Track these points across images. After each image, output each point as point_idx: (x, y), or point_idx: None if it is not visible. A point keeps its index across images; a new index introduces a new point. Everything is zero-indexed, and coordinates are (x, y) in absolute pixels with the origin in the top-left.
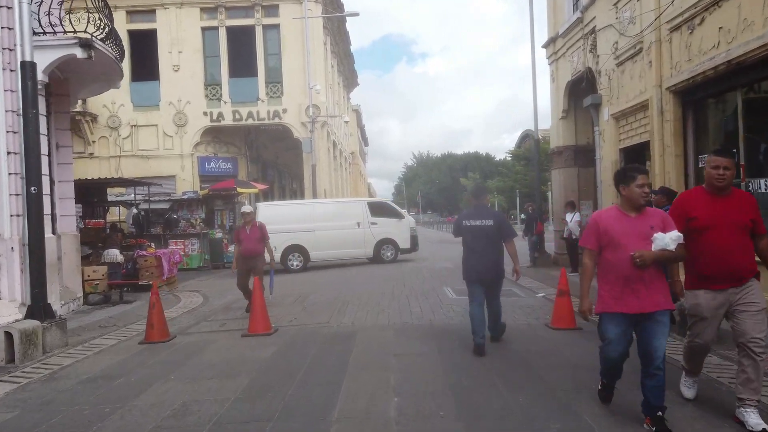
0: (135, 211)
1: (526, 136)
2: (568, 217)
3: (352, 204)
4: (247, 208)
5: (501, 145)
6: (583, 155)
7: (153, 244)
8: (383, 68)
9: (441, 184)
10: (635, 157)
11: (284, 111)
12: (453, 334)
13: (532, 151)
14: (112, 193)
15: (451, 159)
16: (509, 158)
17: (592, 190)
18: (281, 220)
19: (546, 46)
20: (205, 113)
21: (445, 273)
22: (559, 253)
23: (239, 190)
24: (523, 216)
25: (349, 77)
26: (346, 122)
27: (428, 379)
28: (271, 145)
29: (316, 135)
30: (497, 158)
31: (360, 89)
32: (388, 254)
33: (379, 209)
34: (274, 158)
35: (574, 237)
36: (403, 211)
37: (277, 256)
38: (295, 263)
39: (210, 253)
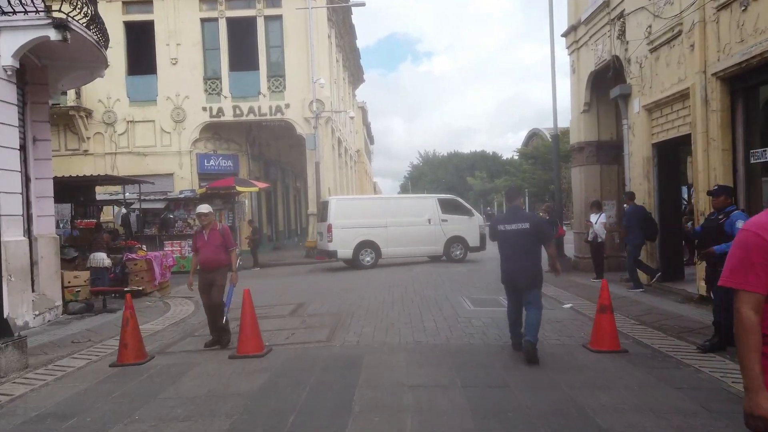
0: (124, 211)
1: (533, 135)
2: (593, 218)
3: (423, 200)
4: (203, 207)
5: (505, 144)
6: (606, 151)
7: (145, 247)
8: (388, 67)
9: (447, 183)
10: (671, 153)
11: (287, 106)
12: (475, 360)
13: (542, 149)
14: (106, 192)
15: (457, 158)
16: (516, 157)
17: (615, 189)
18: (353, 214)
19: (566, 34)
20: (204, 108)
21: (460, 278)
22: (579, 257)
23: (239, 188)
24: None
25: (354, 73)
26: (352, 118)
27: (453, 425)
28: (274, 142)
29: (320, 131)
30: (504, 157)
31: (365, 88)
32: (458, 252)
33: (449, 206)
34: (276, 156)
35: (599, 240)
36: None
37: (350, 252)
38: (367, 259)
39: None
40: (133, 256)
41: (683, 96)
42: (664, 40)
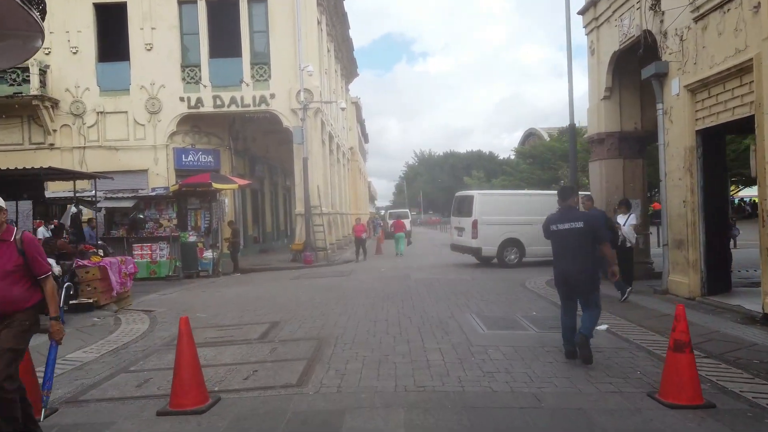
0: (74, 209)
1: (530, 134)
2: (621, 219)
3: None
4: None
5: (500, 145)
6: (630, 143)
7: (101, 252)
8: (383, 67)
9: (443, 183)
10: (720, 141)
11: (272, 96)
12: (505, 421)
13: (541, 148)
14: (68, 190)
15: (453, 158)
16: (512, 157)
17: (640, 186)
18: (497, 210)
19: (583, 11)
20: (181, 99)
21: (464, 289)
22: None
23: (215, 185)
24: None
25: (347, 66)
26: (343, 109)
27: None
28: (261, 137)
29: (308, 124)
30: (501, 157)
31: (360, 88)
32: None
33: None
34: (264, 152)
35: (629, 245)
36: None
37: (494, 250)
38: (511, 257)
39: (182, 260)
40: (85, 262)
41: (742, 70)
42: (714, 5)
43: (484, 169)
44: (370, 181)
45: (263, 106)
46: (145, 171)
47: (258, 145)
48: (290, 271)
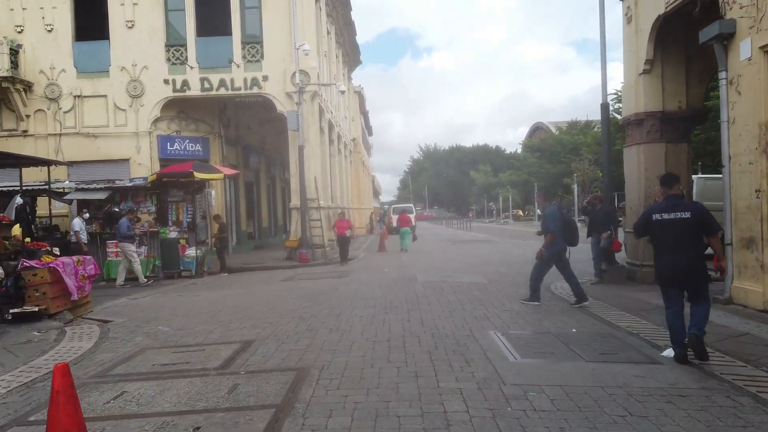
0: (19, 201)
1: (537, 128)
2: None
3: None
4: None
5: (504, 140)
6: (674, 125)
7: (58, 250)
8: (388, 62)
9: (449, 178)
10: None
11: (265, 78)
12: None
13: (551, 140)
14: (41, 180)
15: (459, 152)
16: (519, 151)
17: (685, 175)
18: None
19: None
20: (166, 81)
21: (481, 295)
22: (636, 264)
23: (198, 175)
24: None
25: (350, 53)
26: (342, 92)
27: None
28: (257, 126)
29: (304, 108)
30: (507, 151)
31: (365, 82)
32: None
33: None
34: (260, 142)
35: None
36: None
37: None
38: None
39: (162, 259)
40: (32, 263)
41: None
42: None
43: (491, 163)
44: (374, 175)
45: (255, 90)
46: (126, 160)
47: (253, 134)
48: (283, 270)
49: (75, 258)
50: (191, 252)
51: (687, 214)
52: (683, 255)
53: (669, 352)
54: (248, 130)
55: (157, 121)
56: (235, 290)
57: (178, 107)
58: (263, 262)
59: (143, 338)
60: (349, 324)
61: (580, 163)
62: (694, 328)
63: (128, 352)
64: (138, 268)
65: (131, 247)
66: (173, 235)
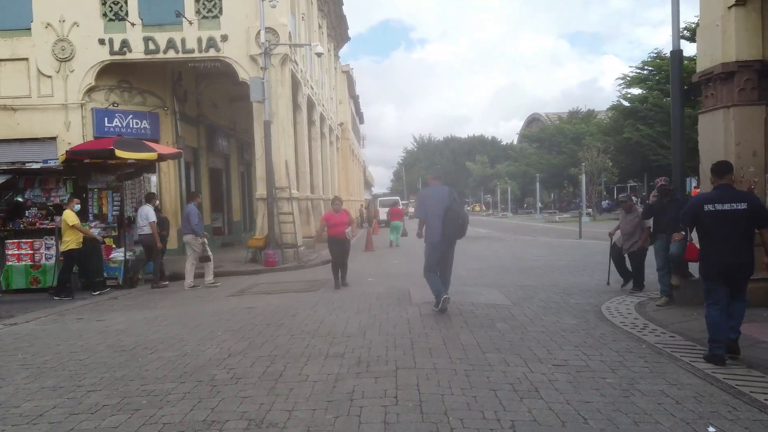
0: None
1: (533, 120)
2: None
3: None
4: None
5: (497, 132)
6: None
7: None
8: (381, 54)
9: (444, 169)
10: None
11: (224, 39)
12: None
13: (552, 129)
14: None
15: (454, 142)
16: (515, 142)
17: None
18: None
19: None
20: (101, 41)
21: (507, 331)
22: None
23: (119, 153)
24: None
25: (336, 26)
26: (319, 55)
27: None
28: (226, 104)
29: (272, 75)
30: (503, 142)
31: (357, 75)
32: None
33: None
34: (230, 123)
35: None
36: None
37: None
38: None
39: (79, 263)
40: None
41: None
42: None
43: (487, 154)
44: (364, 163)
45: (212, 52)
46: (53, 139)
47: (220, 112)
48: (241, 278)
49: None
50: (118, 255)
51: (743, 206)
52: (737, 249)
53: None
54: (214, 107)
55: (91, 90)
56: (157, 312)
57: (120, 74)
58: (221, 265)
59: None
60: (289, 405)
61: (588, 152)
62: (735, 332)
63: None
64: (189, 266)
65: (198, 242)
66: (93, 232)
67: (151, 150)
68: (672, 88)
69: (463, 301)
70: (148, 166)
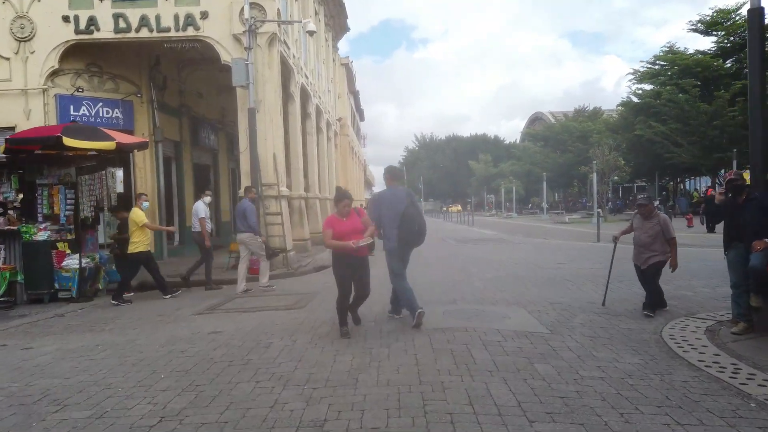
0: None
1: (536, 119)
2: None
3: None
4: None
5: (498, 131)
6: None
7: None
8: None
9: (445, 169)
10: None
11: (203, 16)
12: None
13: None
14: None
15: (456, 141)
16: (517, 141)
17: None
18: None
19: None
20: (65, 18)
21: (555, 379)
22: None
23: (68, 141)
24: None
25: (335, 14)
26: (311, 33)
27: None
28: (214, 95)
29: (258, 57)
30: (506, 141)
31: (358, 75)
32: None
33: None
34: (218, 115)
35: None
36: None
37: None
38: None
39: (25, 273)
40: None
41: None
42: None
43: (490, 153)
44: (365, 161)
45: (191, 31)
46: (11, 129)
47: (207, 103)
48: (220, 287)
49: None
50: (71, 262)
51: None
52: None
53: None
54: (199, 98)
55: (55, 75)
56: (99, 338)
57: (88, 57)
58: (195, 273)
59: None
60: None
61: (599, 149)
62: None
63: None
64: (244, 270)
65: (258, 242)
66: (42, 236)
67: (109, 138)
68: (750, 55)
69: (486, 328)
70: (114, 159)
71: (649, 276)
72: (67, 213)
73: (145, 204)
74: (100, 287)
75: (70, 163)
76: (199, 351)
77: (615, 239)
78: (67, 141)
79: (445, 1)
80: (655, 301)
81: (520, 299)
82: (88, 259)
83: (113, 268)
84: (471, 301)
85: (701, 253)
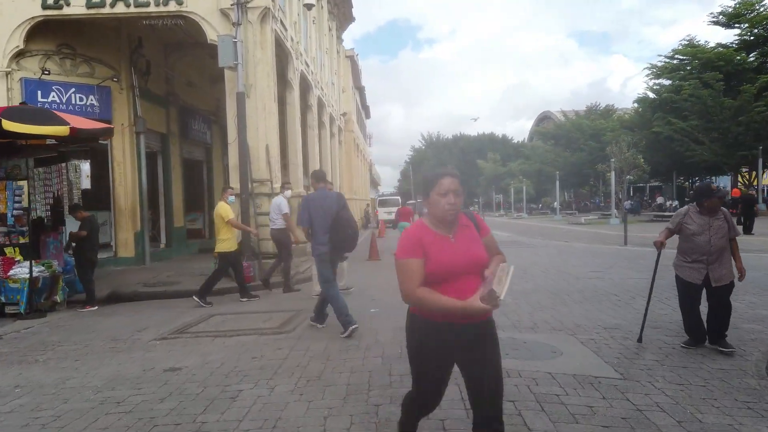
0: None
1: (544, 118)
2: None
3: None
4: None
5: (504, 131)
6: None
7: None
8: (388, 53)
9: (453, 168)
10: None
11: None
12: None
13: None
14: None
15: (463, 141)
16: (525, 140)
17: None
18: None
19: None
20: None
21: None
22: None
23: (7, 125)
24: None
25: (339, 3)
26: (309, 6)
27: None
28: (207, 84)
29: (248, 34)
30: (514, 140)
31: (364, 75)
32: None
33: None
34: (211, 107)
35: None
36: None
37: None
38: None
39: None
40: None
41: None
42: None
43: (498, 152)
44: (371, 160)
45: (173, 6)
46: None
47: (198, 93)
48: (187, 300)
49: None
50: (20, 272)
51: None
52: None
53: None
54: (189, 86)
55: (20, 56)
56: (23, 375)
57: (59, 37)
58: (178, 281)
59: None
60: None
61: (617, 146)
62: None
63: None
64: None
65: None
66: None
67: (62, 122)
68: None
69: (534, 372)
70: (80, 151)
71: (725, 297)
72: (15, 213)
73: (231, 198)
74: (58, 300)
75: (27, 154)
76: (141, 402)
77: (660, 245)
78: (7, 125)
79: (451, 2)
80: (714, 329)
81: (565, 322)
82: (42, 267)
83: (75, 276)
84: (502, 326)
85: (756, 260)
